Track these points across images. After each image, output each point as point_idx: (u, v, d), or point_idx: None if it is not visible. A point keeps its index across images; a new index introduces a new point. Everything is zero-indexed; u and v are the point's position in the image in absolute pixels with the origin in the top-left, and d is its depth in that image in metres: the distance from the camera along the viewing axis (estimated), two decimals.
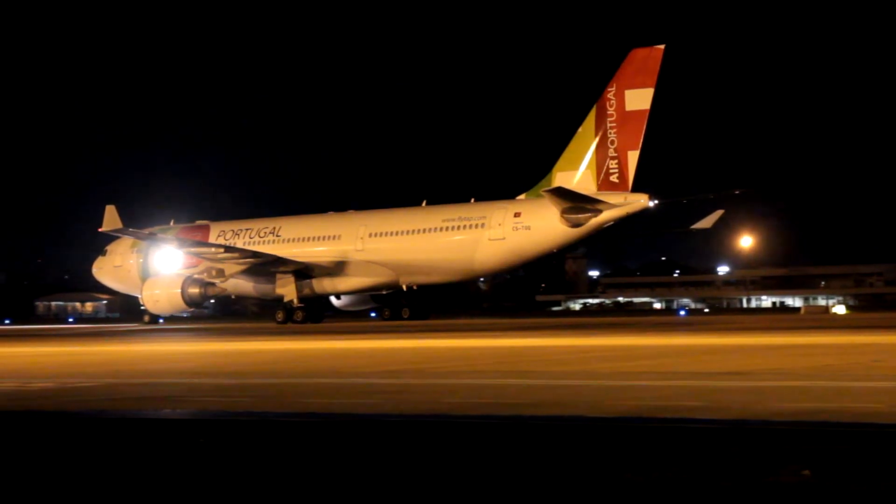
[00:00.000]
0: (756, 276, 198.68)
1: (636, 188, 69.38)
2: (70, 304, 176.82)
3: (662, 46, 69.35)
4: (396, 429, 12.42)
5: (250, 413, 14.22)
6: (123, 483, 9.30)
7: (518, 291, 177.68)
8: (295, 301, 78.64)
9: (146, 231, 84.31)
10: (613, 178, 69.44)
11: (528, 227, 71.90)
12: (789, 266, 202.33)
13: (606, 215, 69.18)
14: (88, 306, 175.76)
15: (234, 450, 11.03)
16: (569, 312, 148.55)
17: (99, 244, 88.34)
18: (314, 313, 79.66)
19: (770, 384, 17.07)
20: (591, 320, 73.81)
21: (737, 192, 79.74)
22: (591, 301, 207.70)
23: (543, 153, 75.34)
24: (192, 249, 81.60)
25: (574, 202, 68.93)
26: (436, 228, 75.52)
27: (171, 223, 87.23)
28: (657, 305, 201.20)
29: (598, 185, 69.80)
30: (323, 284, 79.37)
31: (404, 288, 78.28)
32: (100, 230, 73.86)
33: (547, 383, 18.42)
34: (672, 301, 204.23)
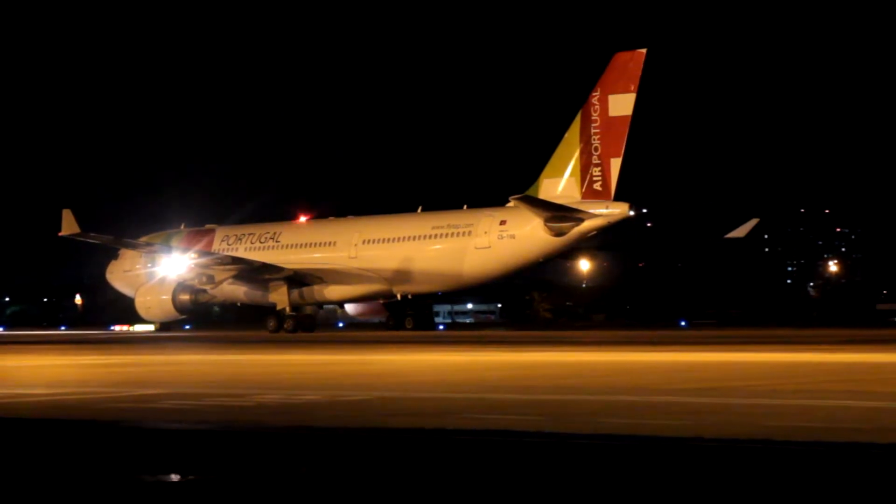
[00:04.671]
0: None
1: (619, 196, 68.36)
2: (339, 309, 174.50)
3: (644, 50, 68.01)
4: (711, 454, 10.72)
5: (540, 433, 12.37)
6: None
7: (853, 298, 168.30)
8: (287, 309, 76.10)
9: (143, 238, 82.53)
10: (597, 186, 68.21)
11: (513, 236, 70.36)
12: None
13: (588, 224, 68.25)
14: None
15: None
16: None
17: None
18: (306, 322, 77.12)
19: None
20: None
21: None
22: None
23: (537, 157, 73.08)
24: (167, 255, 79.42)
25: (552, 211, 67.72)
26: (425, 236, 73.56)
27: (182, 227, 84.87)
28: None
29: (582, 192, 68.53)
30: (313, 293, 76.76)
31: (398, 297, 75.85)
32: (59, 234, 71.49)
33: (892, 405, 15.62)
34: None
